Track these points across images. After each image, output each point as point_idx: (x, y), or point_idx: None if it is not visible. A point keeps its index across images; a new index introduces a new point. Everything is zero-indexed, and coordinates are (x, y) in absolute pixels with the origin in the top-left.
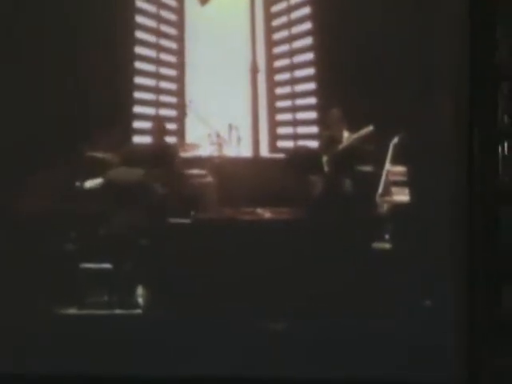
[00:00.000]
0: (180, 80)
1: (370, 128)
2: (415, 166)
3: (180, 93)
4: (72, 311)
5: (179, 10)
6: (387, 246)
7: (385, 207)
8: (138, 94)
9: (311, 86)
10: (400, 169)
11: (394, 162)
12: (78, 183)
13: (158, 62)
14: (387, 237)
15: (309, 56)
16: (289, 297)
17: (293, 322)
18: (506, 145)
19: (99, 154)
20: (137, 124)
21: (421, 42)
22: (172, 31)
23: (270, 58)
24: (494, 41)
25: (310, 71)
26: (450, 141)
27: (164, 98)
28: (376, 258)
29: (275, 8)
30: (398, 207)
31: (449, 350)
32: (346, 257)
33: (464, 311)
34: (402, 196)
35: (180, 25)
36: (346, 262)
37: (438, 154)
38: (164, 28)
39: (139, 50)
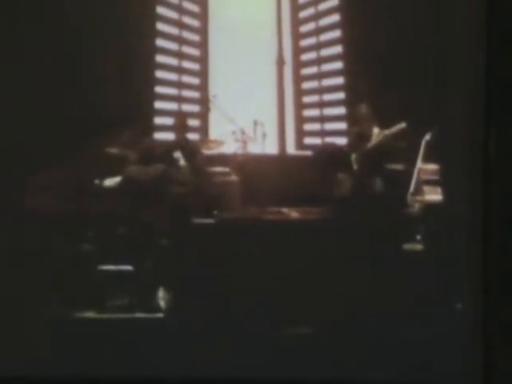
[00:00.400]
0: (203, 74)
1: (402, 125)
2: (446, 164)
3: (203, 87)
4: (90, 314)
5: (202, 1)
6: (417, 246)
7: (416, 207)
8: (159, 89)
9: (339, 80)
10: (432, 167)
11: (426, 159)
12: (96, 181)
13: (181, 56)
14: (418, 237)
15: (337, 49)
16: (313, 299)
17: (315, 323)
18: None
19: (119, 151)
20: (158, 120)
21: (439, 42)
22: (195, 23)
23: (297, 50)
24: (510, 44)
25: (338, 65)
26: (466, 141)
27: (186, 93)
28: (405, 259)
29: None
30: (429, 207)
31: (463, 351)
32: (374, 258)
33: (479, 312)
34: (434, 195)
35: (203, 16)
36: (374, 263)
37: (455, 155)
38: (186, 19)
39: (160, 42)
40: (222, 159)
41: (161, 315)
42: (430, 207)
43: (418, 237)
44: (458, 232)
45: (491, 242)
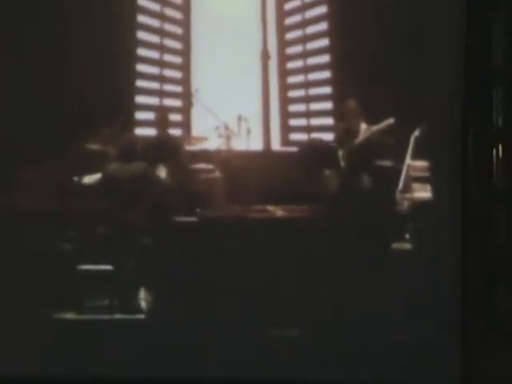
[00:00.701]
0: (185, 68)
1: (391, 120)
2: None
3: (185, 81)
4: (71, 315)
5: None
6: (405, 245)
7: (405, 205)
8: (140, 83)
9: (326, 74)
10: (421, 163)
11: (415, 156)
12: (75, 179)
13: (162, 49)
14: (407, 236)
15: (323, 42)
16: (299, 299)
17: (301, 323)
18: (500, 146)
19: (98, 147)
20: (139, 115)
21: (417, 44)
22: (177, 15)
23: (282, 44)
24: (489, 43)
25: (325, 58)
26: (444, 142)
27: (168, 87)
28: (393, 258)
29: None
30: (418, 205)
31: (443, 350)
32: (362, 257)
33: (458, 310)
34: (423, 192)
35: (185, 8)
36: (361, 262)
37: (442, 151)
38: (168, 11)
39: (141, 35)
40: (205, 155)
41: (142, 316)
42: (419, 205)
43: (407, 235)
44: (443, 231)
45: (472, 241)
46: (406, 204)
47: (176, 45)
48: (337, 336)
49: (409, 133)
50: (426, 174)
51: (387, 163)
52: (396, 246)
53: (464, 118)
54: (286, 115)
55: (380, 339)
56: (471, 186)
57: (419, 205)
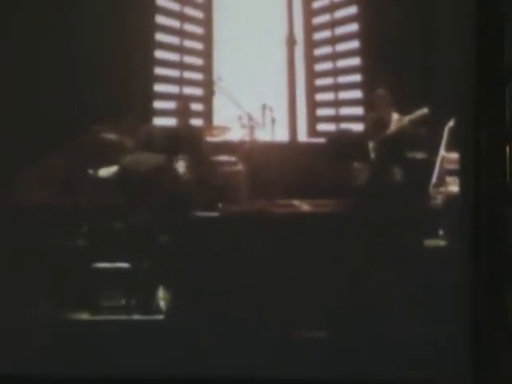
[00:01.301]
0: (207, 54)
1: (424, 110)
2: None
3: (207, 69)
4: (84, 316)
5: None
6: (439, 242)
7: (439, 199)
8: (158, 70)
9: (355, 61)
10: (457, 156)
11: (450, 148)
12: (90, 171)
13: (182, 34)
14: (441, 232)
15: (353, 27)
16: (322, 298)
17: (327, 324)
18: None
19: (114, 138)
20: (157, 104)
21: (427, 41)
22: None
23: (309, 29)
24: (501, 40)
25: (355, 44)
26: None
27: (188, 75)
28: (425, 255)
29: None
30: (452, 199)
31: (453, 350)
32: (391, 255)
33: (468, 311)
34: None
35: None
36: (391, 260)
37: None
38: None
39: (160, 19)
40: (227, 147)
41: (160, 317)
42: (450, 200)
43: (441, 232)
44: (455, 230)
45: (483, 241)
46: (439, 198)
47: (197, 30)
48: (354, 335)
49: (443, 124)
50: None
51: (420, 155)
52: (431, 242)
53: (476, 116)
54: (312, 104)
55: (390, 338)
56: (483, 185)
57: (450, 199)
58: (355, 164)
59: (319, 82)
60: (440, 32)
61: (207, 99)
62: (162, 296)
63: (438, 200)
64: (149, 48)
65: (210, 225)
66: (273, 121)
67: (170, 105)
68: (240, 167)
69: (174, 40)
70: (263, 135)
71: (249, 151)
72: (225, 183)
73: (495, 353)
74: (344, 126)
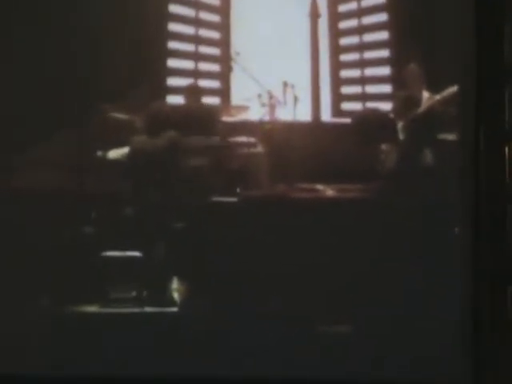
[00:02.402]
0: (224, 27)
1: (454, 88)
2: None
3: (224, 43)
4: (93, 309)
5: None
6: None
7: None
8: (171, 44)
9: (384, 35)
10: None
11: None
12: (98, 153)
13: (198, 5)
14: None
15: None
16: (348, 292)
17: (347, 319)
18: None
19: (123, 117)
20: (170, 80)
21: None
22: None
23: (334, 0)
24: (502, 40)
25: (383, 17)
26: (456, 140)
27: (204, 50)
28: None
29: None
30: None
31: (453, 350)
32: (420, 244)
33: (468, 311)
34: None
35: None
36: (420, 249)
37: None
38: None
39: None
40: (246, 127)
41: (174, 309)
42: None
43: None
44: (455, 230)
45: (483, 242)
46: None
47: (214, 1)
48: (354, 335)
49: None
50: None
51: (452, 136)
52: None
53: (475, 116)
54: (337, 81)
55: (389, 338)
56: (483, 186)
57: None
58: (383, 146)
59: (344, 57)
60: (440, 31)
61: (224, 76)
62: (175, 287)
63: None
64: (161, 20)
65: (227, 211)
66: (295, 99)
67: (184, 82)
68: (259, 149)
69: (188, 12)
70: (284, 114)
71: (269, 132)
72: (243, 166)
73: (495, 353)
74: (371, 104)
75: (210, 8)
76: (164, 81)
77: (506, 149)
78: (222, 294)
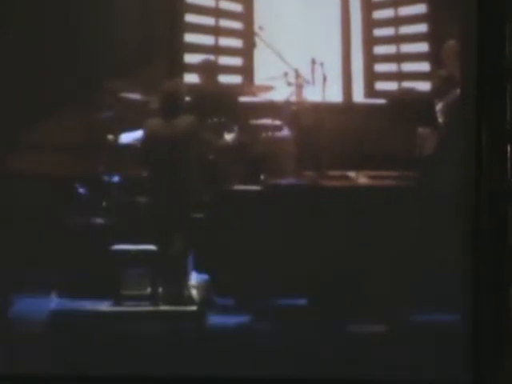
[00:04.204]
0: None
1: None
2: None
3: (247, 17)
4: (103, 307)
5: None
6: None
7: None
8: (189, 17)
9: (421, 8)
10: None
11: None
12: (109, 137)
13: None
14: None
15: None
16: (384, 286)
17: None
18: None
19: (136, 97)
20: (188, 57)
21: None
22: None
23: None
24: (503, 38)
25: None
26: (457, 139)
27: (225, 23)
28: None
29: None
30: None
31: (453, 350)
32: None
33: (469, 312)
34: None
35: None
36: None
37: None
38: None
39: None
40: (271, 109)
41: (193, 308)
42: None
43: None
44: (455, 229)
45: (484, 241)
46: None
47: None
48: (354, 335)
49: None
50: None
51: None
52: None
53: (477, 114)
54: (370, 59)
55: (389, 338)
56: (484, 184)
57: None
58: (420, 129)
59: (378, 32)
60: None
61: (246, 52)
62: (193, 284)
63: None
64: None
65: (250, 200)
66: (324, 78)
67: (204, 58)
68: (285, 132)
69: None
70: (312, 95)
71: (295, 114)
72: (267, 151)
73: (496, 353)
74: (407, 84)
75: None
76: (181, 57)
77: (508, 147)
78: (244, 290)
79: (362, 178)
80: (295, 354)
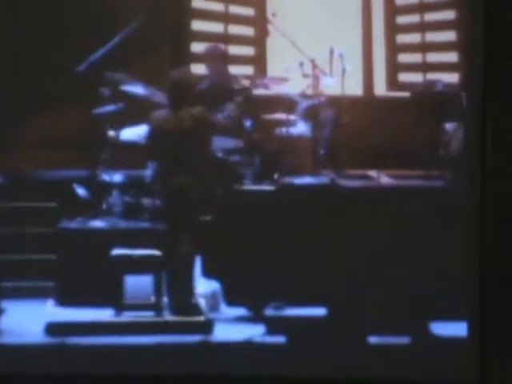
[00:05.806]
0: None
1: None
2: None
3: (259, 3)
4: (105, 316)
5: None
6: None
7: None
8: (197, 3)
9: None
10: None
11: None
12: (110, 132)
13: None
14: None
15: None
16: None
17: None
18: None
19: (140, 89)
20: (195, 46)
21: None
22: None
23: None
24: (509, 35)
25: None
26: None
27: (236, 10)
28: None
29: None
30: None
31: (459, 351)
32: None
33: (475, 311)
34: None
35: None
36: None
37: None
38: None
39: None
40: (285, 102)
41: (200, 318)
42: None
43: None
44: (461, 228)
45: (490, 239)
46: None
47: None
48: (354, 334)
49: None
50: None
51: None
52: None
53: (483, 112)
54: (393, 49)
55: (391, 338)
56: (491, 183)
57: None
58: (447, 125)
59: (402, 20)
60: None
61: (259, 41)
62: (201, 292)
63: None
64: None
65: (263, 201)
66: (343, 70)
67: (212, 47)
68: (301, 127)
69: None
70: (331, 88)
71: (312, 107)
72: (281, 148)
73: (502, 354)
74: (432, 76)
75: None
76: (188, 45)
77: None
78: (256, 297)
79: (383, 178)
80: (308, 367)
